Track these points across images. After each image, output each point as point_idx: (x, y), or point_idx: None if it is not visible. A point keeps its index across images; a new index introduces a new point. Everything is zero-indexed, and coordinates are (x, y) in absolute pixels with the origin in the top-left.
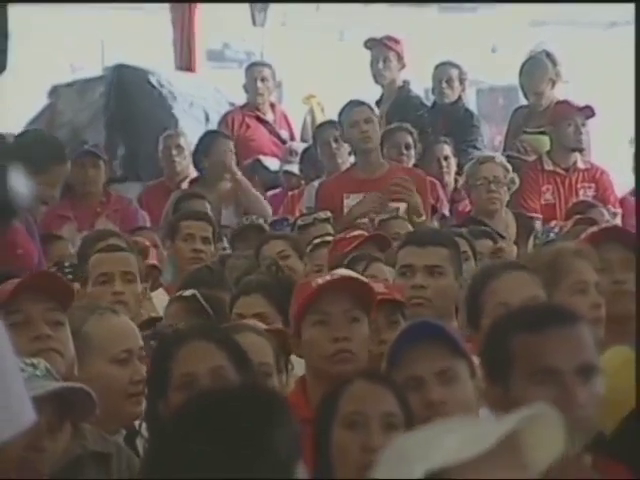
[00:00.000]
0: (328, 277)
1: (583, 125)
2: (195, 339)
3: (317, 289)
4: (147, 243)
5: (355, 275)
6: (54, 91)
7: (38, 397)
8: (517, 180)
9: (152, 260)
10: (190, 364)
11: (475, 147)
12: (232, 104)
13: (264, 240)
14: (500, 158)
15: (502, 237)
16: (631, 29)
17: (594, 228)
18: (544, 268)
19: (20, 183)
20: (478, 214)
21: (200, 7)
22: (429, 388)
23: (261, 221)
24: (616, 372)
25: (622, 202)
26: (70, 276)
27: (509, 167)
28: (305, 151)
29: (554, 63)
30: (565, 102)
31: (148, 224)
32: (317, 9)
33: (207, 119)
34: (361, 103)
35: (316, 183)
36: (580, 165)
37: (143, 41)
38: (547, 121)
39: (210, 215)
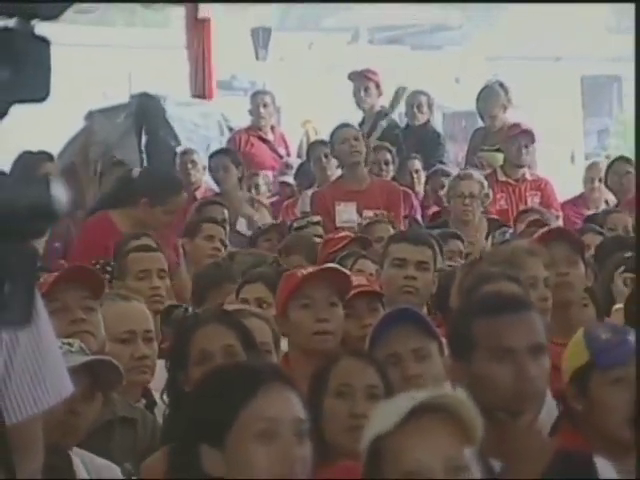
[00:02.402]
0: (311, 269)
1: (526, 146)
2: (210, 322)
3: (303, 278)
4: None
5: (334, 266)
6: (89, 115)
7: (73, 369)
8: (491, 194)
9: None
10: (206, 343)
11: (441, 162)
12: (231, 129)
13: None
14: (478, 175)
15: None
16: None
17: (544, 229)
18: (501, 264)
19: (60, 192)
20: (454, 222)
21: (212, 42)
22: (406, 364)
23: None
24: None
25: (563, 207)
26: (109, 268)
27: (485, 183)
28: (300, 166)
29: (505, 91)
30: (514, 126)
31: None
32: (310, 47)
33: (207, 148)
34: (350, 125)
35: (309, 192)
36: (528, 177)
37: (164, 73)
38: (501, 140)
39: (227, 220)
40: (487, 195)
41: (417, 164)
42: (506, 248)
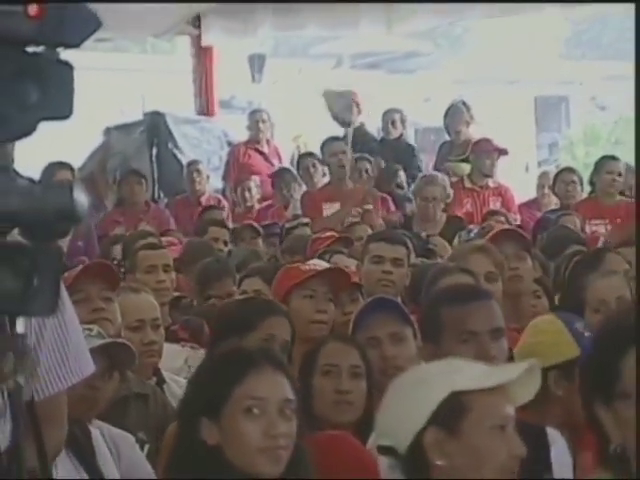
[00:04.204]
0: (318, 267)
1: (497, 159)
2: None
3: (311, 273)
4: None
5: (339, 267)
6: (107, 131)
7: (93, 350)
8: (452, 194)
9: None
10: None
11: (419, 170)
12: (230, 143)
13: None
14: (441, 179)
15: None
16: (528, 85)
17: (496, 229)
18: (455, 259)
19: (82, 197)
20: (419, 220)
21: (214, 67)
22: (384, 346)
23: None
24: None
25: (519, 210)
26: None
27: (447, 185)
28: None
29: (468, 110)
30: (487, 142)
31: (174, 227)
32: (299, 72)
33: (209, 161)
34: (338, 138)
35: (297, 197)
36: (491, 184)
37: (172, 94)
38: (471, 152)
39: (226, 223)
40: (449, 196)
41: (401, 175)
42: (460, 246)
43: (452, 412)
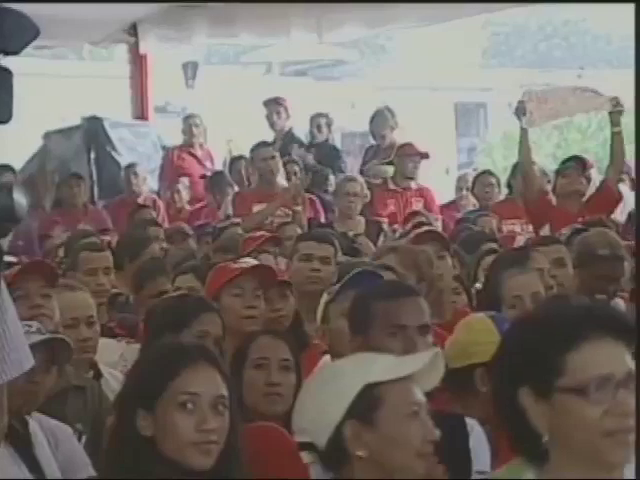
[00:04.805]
0: (245, 265)
1: (419, 163)
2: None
3: (238, 271)
4: (109, 238)
5: (265, 264)
6: (47, 135)
7: (33, 346)
8: (369, 195)
9: None
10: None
11: (343, 172)
12: (164, 147)
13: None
14: (360, 179)
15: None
16: (448, 92)
17: (418, 230)
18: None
19: (21, 198)
20: (340, 217)
21: (150, 73)
22: None
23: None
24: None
25: (440, 211)
26: (63, 266)
27: (365, 185)
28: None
29: (393, 115)
30: (409, 146)
31: (111, 226)
32: (231, 79)
33: (147, 163)
34: (267, 143)
35: (229, 198)
36: (413, 186)
37: (109, 99)
38: (395, 156)
39: (158, 222)
40: (366, 195)
41: (332, 179)
42: (382, 246)
43: (367, 404)
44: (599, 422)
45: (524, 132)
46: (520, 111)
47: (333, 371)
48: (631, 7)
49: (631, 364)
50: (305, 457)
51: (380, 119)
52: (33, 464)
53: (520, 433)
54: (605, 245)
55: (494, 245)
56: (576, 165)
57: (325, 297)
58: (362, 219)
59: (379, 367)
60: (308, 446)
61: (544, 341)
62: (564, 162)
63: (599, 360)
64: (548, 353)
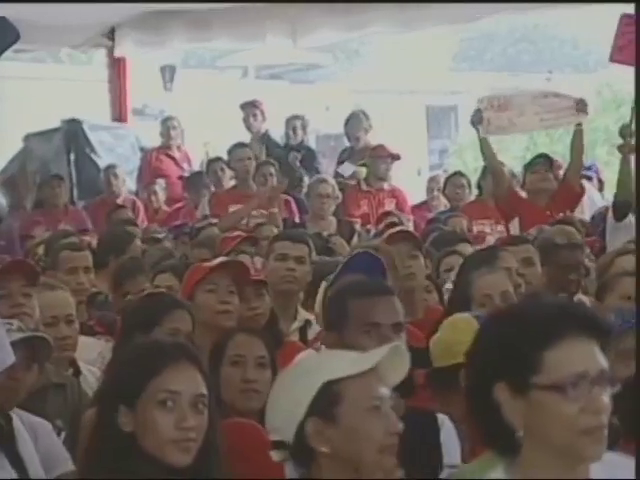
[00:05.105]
0: (216, 261)
1: (391, 164)
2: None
3: (210, 268)
4: (89, 238)
5: (237, 259)
6: (27, 137)
7: (14, 343)
8: (340, 196)
9: None
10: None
11: (318, 172)
12: (142, 148)
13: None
14: (331, 180)
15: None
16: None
17: (391, 230)
18: None
19: (1, 199)
20: (312, 218)
21: (128, 77)
22: None
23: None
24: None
25: (412, 211)
26: (41, 263)
27: (336, 187)
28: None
29: (367, 118)
30: (381, 148)
31: (91, 226)
32: (207, 82)
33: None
34: (244, 144)
35: (206, 199)
36: (386, 187)
37: (88, 102)
38: (368, 158)
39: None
40: (337, 197)
41: (306, 180)
42: (357, 245)
43: (328, 400)
44: (575, 419)
45: (483, 141)
46: (476, 120)
47: (295, 370)
48: (597, 11)
49: (604, 362)
50: (275, 455)
51: (355, 121)
52: (16, 460)
53: (494, 428)
54: (562, 235)
55: (464, 245)
56: (544, 162)
57: (324, 284)
58: (334, 219)
59: (338, 364)
60: (280, 444)
61: (521, 338)
62: (532, 159)
63: (575, 358)
64: (525, 350)
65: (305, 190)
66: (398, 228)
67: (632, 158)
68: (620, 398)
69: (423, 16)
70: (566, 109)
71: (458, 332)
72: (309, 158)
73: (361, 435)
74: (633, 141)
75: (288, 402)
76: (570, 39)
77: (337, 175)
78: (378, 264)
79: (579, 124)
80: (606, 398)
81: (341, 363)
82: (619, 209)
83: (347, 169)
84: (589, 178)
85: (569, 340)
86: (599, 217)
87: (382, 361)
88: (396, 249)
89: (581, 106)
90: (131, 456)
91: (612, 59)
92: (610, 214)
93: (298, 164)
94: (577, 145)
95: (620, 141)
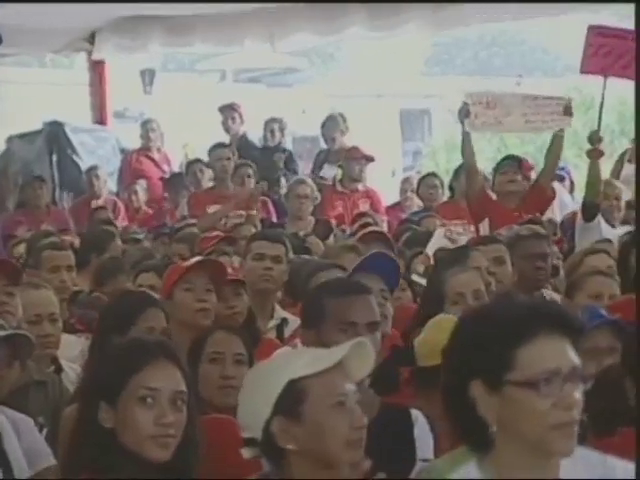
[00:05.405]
0: (193, 260)
1: (365, 166)
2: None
3: (187, 267)
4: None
5: (213, 258)
6: (9, 139)
7: None
8: (319, 196)
9: None
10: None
11: (296, 173)
12: (123, 150)
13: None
14: (310, 181)
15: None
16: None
17: (364, 230)
18: (329, 257)
19: None
20: (291, 218)
21: (108, 80)
22: None
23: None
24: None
25: (386, 211)
26: (21, 261)
27: (315, 187)
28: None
29: (344, 120)
30: (355, 150)
31: (73, 226)
32: (187, 85)
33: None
34: (224, 145)
35: (185, 199)
36: (360, 188)
37: (70, 105)
38: (342, 159)
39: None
40: (317, 197)
41: (283, 181)
42: (333, 245)
43: (292, 399)
44: (547, 414)
45: (466, 135)
46: (463, 113)
47: (262, 369)
48: (563, 20)
49: (576, 359)
50: (246, 452)
51: (332, 123)
52: (0, 455)
53: (468, 423)
54: (527, 229)
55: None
56: (512, 163)
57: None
58: (313, 220)
59: (302, 363)
60: (252, 441)
61: (495, 337)
62: (501, 161)
63: (547, 355)
64: (499, 348)
65: (283, 191)
66: (370, 228)
67: (600, 162)
68: (589, 395)
69: (397, 22)
70: (553, 113)
71: (442, 332)
72: (288, 160)
73: (326, 431)
74: (601, 146)
75: (255, 401)
76: (539, 45)
77: (316, 177)
78: (393, 265)
79: (561, 130)
80: (578, 394)
81: (305, 361)
82: (588, 210)
83: (329, 171)
84: (562, 178)
85: (542, 338)
86: (568, 222)
87: (348, 357)
88: (368, 249)
89: (568, 109)
90: (111, 452)
91: (582, 70)
92: (579, 215)
93: (282, 165)
94: (555, 150)
95: (589, 146)
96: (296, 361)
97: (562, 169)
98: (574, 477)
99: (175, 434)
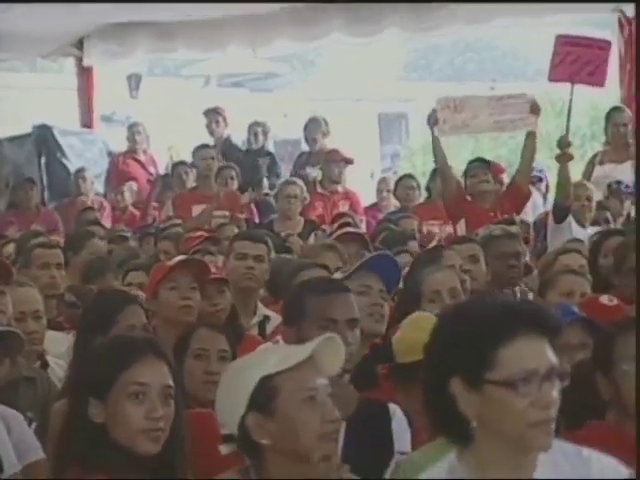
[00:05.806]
0: (177, 259)
1: (344, 168)
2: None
3: (171, 267)
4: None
5: (197, 257)
6: (0, 142)
7: None
8: (308, 197)
9: None
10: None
11: (278, 176)
12: (110, 153)
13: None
14: (299, 182)
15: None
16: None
17: (341, 230)
18: (310, 256)
19: None
20: (280, 218)
21: (96, 85)
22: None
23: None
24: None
25: (365, 212)
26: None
27: (304, 188)
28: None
29: (326, 123)
30: (335, 152)
31: (61, 227)
32: (172, 89)
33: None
34: (208, 146)
35: (170, 200)
36: (340, 189)
37: (59, 108)
38: (323, 162)
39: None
40: (305, 198)
41: (265, 183)
42: (312, 245)
43: (265, 395)
44: (525, 413)
45: (436, 140)
46: (432, 120)
47: (237, 367)
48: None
49: (554, 359)
50: (223, 449)
51: (314, 125)
52: None
53: (448, 419)
54: (500, 229)
55: (413, 244)
56: (480, 165)
57: (339, 275)
58: (302, 220)
59: (274, 359)
60: (230, 437)
61: (476, 337)
62: (469, 164)
63: (526, 355)
64: (479, 348)
65: (264, 191)
66: (346, 229)
67: (571, 165)
68: (561, 391)
69: (376, 28)
70: (520, 112)
71: (419, 330)
72: (270, 162)
73: (298, 425)
74: (571, 150)
75: (231, 398)
76: (510, 51)
77: (301, 177)
78: (394, 266)
79: (532, 130)
80: (555, 393)
81: (277, 358)
82: (558, 212)
83: (312, 173)
84: (540, 179)
85: (521, 338)
86: (540, 222)
87: (320, 353)
88: (345, 248)
89: (535, 108)
90: (101, 446)
91: (550, 78)
92: (550, 217)
93: (265, 168)
94: (529, 149)
95: (558, 151)
96: (269, 358)
97: (540, 171)
98: (553, 467)
99: (165, 428)
